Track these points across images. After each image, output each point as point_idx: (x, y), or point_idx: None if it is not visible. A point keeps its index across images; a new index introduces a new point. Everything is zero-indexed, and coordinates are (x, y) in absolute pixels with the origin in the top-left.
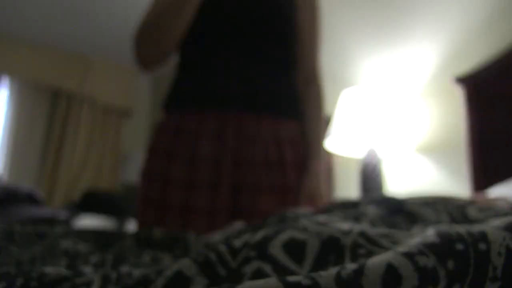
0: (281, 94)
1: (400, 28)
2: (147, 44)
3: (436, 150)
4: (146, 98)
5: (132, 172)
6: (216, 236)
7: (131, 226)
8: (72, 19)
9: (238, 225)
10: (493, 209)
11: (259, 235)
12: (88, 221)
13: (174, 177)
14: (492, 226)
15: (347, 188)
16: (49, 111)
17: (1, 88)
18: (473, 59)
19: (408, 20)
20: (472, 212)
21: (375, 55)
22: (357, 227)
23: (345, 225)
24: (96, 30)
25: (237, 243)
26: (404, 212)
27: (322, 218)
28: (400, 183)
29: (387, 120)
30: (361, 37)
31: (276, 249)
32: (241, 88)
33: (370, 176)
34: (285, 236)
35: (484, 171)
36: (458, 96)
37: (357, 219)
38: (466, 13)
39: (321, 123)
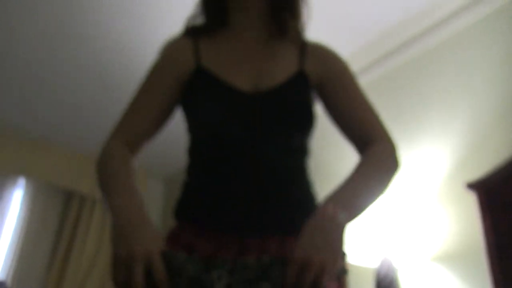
0: (304, 204)
1: (409, 134)
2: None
3: (452, 259)
4: (158, 201)
5: None
6: None
7: None
8: (86, 121)
9: None
10: None
11: None
12: None
13: None
14: None
15: None
16: (61, 213)
17: (16, 188)
18: (485, 163)
19: (417, 126)
20: None
21: None
22: None
23: None
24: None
25: None
26: None
27: None
28: None
29: (401, 228)
30: None
31: None
32: (263, 212)
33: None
34: None
35: (504, 281)
36: (471, 202)
37: None
38: (474, 118)
39: (371, 178)
